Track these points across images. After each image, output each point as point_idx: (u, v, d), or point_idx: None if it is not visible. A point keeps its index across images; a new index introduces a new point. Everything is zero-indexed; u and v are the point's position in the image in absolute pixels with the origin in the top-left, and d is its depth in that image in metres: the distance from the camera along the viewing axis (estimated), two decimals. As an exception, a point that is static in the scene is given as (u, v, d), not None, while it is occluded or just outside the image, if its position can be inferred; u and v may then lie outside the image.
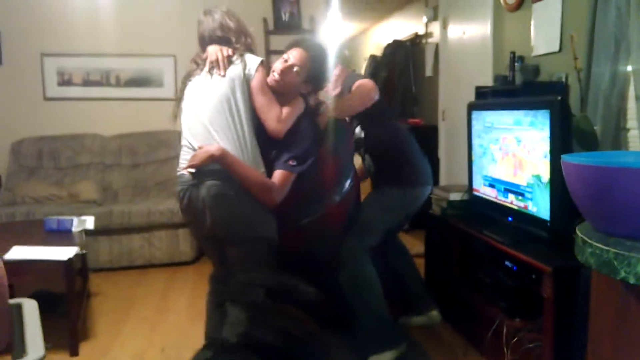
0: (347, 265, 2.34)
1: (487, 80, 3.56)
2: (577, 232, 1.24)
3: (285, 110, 1.99)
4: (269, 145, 2.02)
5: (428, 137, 4.56)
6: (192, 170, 1.90)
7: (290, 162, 1.97)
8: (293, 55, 2.02)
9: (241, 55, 1.98)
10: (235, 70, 1.95)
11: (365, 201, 2.50)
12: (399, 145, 2.50)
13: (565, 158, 1.25)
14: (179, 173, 1.99)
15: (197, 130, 1.94)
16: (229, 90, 1.93)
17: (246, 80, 1.95)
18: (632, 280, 1.06)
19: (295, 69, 2.00)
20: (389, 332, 2.35)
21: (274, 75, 2.01)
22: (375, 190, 2.57)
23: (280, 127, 1.95)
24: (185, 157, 1.97)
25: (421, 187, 2.49)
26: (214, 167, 1.86)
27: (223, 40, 2.02)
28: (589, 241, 1.16)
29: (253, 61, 1.98)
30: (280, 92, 2.01)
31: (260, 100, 1.95)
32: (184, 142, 2.01)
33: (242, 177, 1.88)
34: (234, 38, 2.01)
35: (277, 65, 2.03)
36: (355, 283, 2.35)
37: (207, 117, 1.92)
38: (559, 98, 2.04)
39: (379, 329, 2.33)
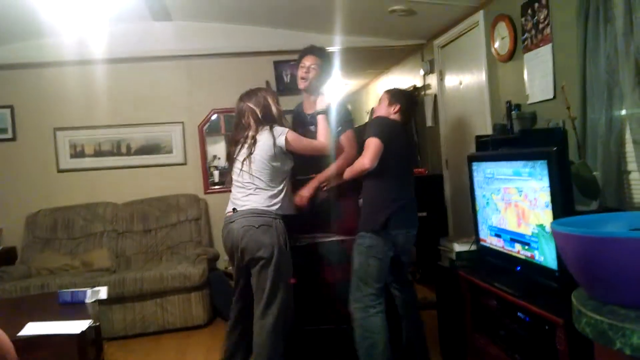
0: (356, 314, 2.56)
1: (487, 128, 3.62)
2: (573, 299, 1.22)
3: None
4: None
5: (433, 186, 4.58)
6: (234, 209, 2.63)
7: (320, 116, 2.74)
8: (307, 60, 2.82)
9: (271, 128, 2.61)
10: (269, 139, 2.61)
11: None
12: (363, 193, 2.70)
13: (554, 227, 1.23)
14: (226, 215, 2.68)
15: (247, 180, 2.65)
16: (270, 150, 2.60)
17: (277, 144, 2.59)
18: (628, 352, 1.02)
19: (312, 67, 2.80)
20: None
21: (301, 79, 2.82)
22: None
23: (326, 142, 2.72)
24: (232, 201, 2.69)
25: (390, 230, 2.59)
26: (243, 210, 2.58)
27: (253, 122, 2.64)
28: (584, 310, 1.14)
29: (280, 130, 2.64)
30: (310, 92, 2.85)
31: (303, 142, 2.68)
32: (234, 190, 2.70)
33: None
34: (259, 119, 2.63)
35: (299, 72, 2.83)
36: (360, 333, 2.52)
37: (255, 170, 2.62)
38: (555, 149, 2.07)
39: None
